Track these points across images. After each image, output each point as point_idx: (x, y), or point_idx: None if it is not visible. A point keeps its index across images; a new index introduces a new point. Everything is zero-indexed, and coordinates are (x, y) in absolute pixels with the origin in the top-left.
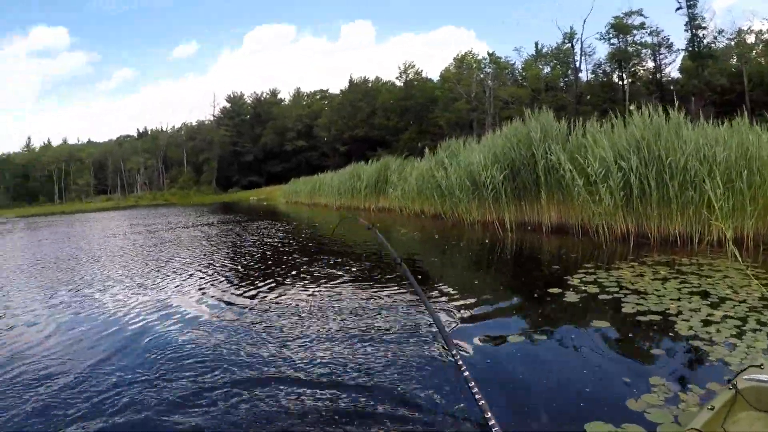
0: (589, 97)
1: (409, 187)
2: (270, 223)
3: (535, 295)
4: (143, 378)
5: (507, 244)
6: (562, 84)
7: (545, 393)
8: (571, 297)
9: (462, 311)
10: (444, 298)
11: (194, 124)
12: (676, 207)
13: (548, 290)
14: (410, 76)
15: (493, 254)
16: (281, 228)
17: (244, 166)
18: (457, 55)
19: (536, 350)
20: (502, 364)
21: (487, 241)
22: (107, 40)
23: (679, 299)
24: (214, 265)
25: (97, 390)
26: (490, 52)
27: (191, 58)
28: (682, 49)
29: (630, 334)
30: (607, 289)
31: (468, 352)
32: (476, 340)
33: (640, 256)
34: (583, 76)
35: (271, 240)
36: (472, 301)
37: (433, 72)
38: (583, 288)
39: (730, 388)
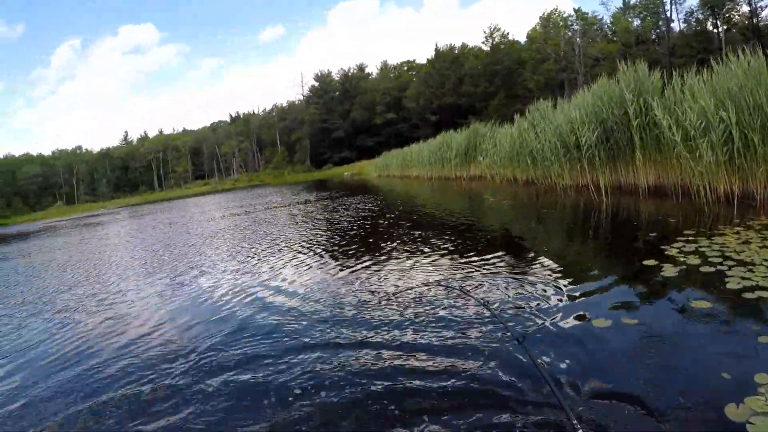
0: (682, 48)
1: (499, 153)
2: (361, 198)
3: (630, 270)
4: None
5: (601, 210)
6: (653, 36)
7: (626, 398)
8: (669, 271)
9: (551, 291)
10: (533, 275)
11: (284, 104)
12: None
13: (644, 263)
14: (496, 39)
15: (585, 222)
16: (371, 203)
17: (335, 143)
18: (543, 14)
19: (621, 338)
20: (577, 353)
21: (581, 206)
22: (195, 31)
23: None
24: (310, 244)
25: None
26: (576, 8)
27: (278, 40)
28: None
29: (734, 317)
30: (709, 260)
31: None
32: (563, 323)
33: (745, 219)
34: (675, 26)
35: (361, 216)
36: (560, 279)
37: (519, 34)
38: (682, 259)
39: None
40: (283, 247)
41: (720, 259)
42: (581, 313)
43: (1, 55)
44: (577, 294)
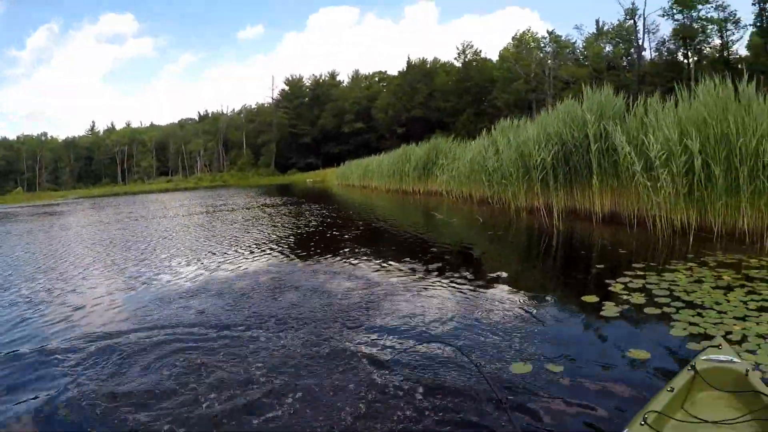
0: (652, 76)
1: (457, 170)
2: (316, 206)
3: (568, 307)
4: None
5: (552, 235)
6: (624, 63)
7: None
8: (609, 310)
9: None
10: (457, 302)
11: (254, 107)
12: (745, 197)
13: (584, 299)
14: (468, 56)
15: (532, 248)
16: (322, 211)
17: (302, 148)
18: (516, 34)
19: (540, 387)
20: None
21: (533, 230)
22: (174, 25)
23: (744, 318)
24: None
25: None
26: (550, 30)
27: (257, 41)
28: (750, 25)
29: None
30: (655, 300)
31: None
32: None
33: (700, 254)
34: (647, 54)
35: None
36: (488, 310)
37: (492, 52)
38: (626, 297)
39: (689, 370)
40: (232, 247)
41: (667, 299)
42: (501, 352)
43: None
44: (501, 329)
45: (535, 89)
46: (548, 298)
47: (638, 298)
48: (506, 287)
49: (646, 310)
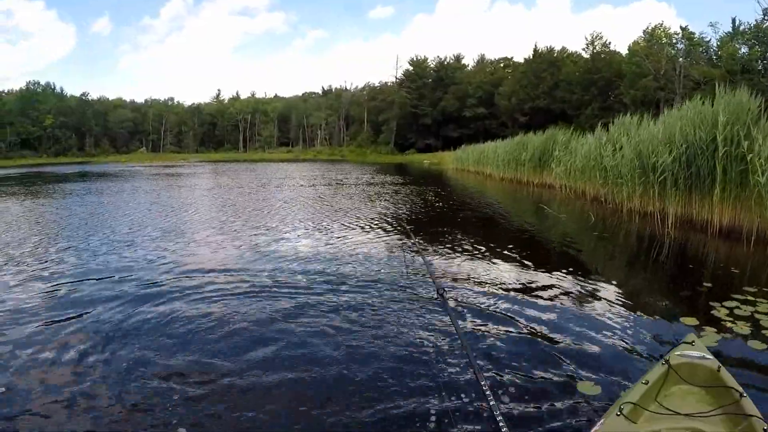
0: None
1: (572, 164)
2: (431, 188)
3: (662, 328)
4: None
5: (663, 245)
6: (760, 67)
7: None
8: (708, 338)
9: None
10: (557, 305)
11: (377, 85)
12: None
13: (683, 320)
14: (597, 47)
15: (639, 257)
16: (435, 194)
17: (422, 129)
18: (647, 28)
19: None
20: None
21: (643, 236)
22: (305, 1)
23: None
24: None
25: None
26: (683, 26)
27: (386, 20)
28: None
29: None
30: (763, 332)
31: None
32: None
33: None
34: None
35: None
36: (571, 318)
37: (621, 45)
38: (730, 325)
39: (663, 364)
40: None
41: None
42: (573, 369)
43: (116, 2)
44: (574, 342)
45: (664, 88)
46: (647, 314)
47: (743, 328)
48: (600, 297)
49: (750, 343)
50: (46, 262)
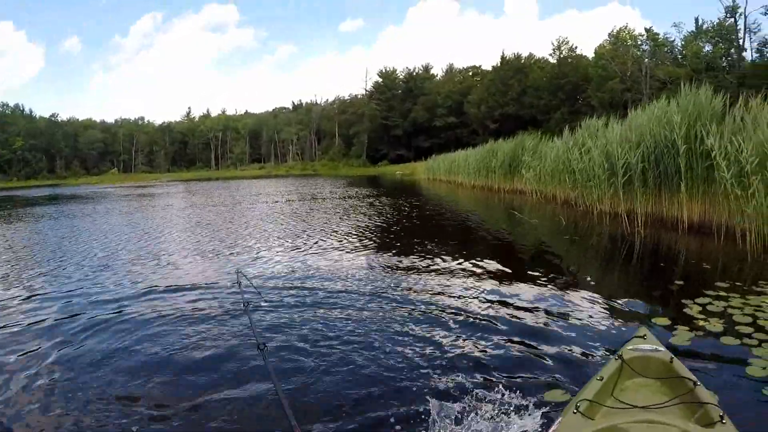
0: (752, 78)
1: (542, 168)
2: (403, 200)
3: (632, 328)
4: None
5: (634, 244)
6: (724, 63)
7: None
8: (680, 337)
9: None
10: (534, 305)
11: (347, 98)
12: None
13: (654, 320)
14: (564, 52)
15: (611, 257)
16: (407, 206)
17: (393, 140)
18: (612, 31)
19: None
20: None
21: (615, 236)
22: (275, 16)
23: None
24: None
25: None
26: (648, 27)
27: (356, 33)
28: None
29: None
30: (736, 328)
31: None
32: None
33: None
34: (747, 54)
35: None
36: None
37: (588, 49)
38: (703, 323)
39: (616, 359)
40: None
41: (750, 329)
42: (535, 373)
43: (86, 21)
44: (545, 346)
45: (631, 89)
46: (618, 315)
47: (716, 325)
48: (570, 302)
49: (723, 339)
50: (17, 287)
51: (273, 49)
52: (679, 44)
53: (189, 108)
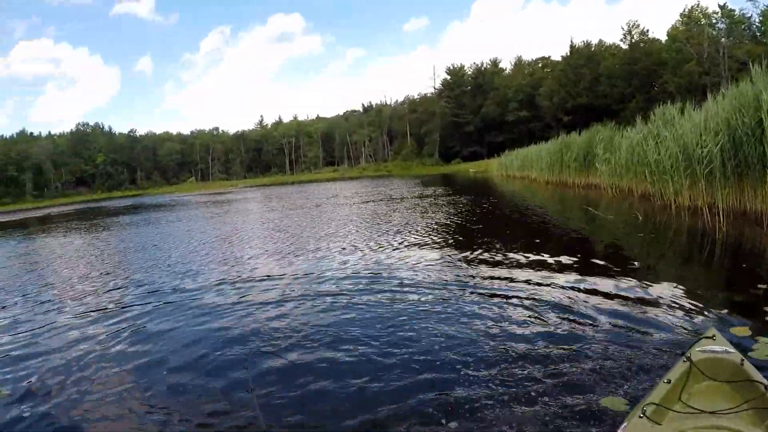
0: None
1: (616, 161)
2: (476, 198)
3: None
4: None
5: (715, 242)
6: None
7: None
8: (761, 350)
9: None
10: (601, 305)
11: (416, 97)
12: None
13: (732, 330)
14: (635, 37)
15: (686, 256)
16: (481, 204)
17: (465, 137)
18: (684, 10)
19: None
20: None
21: (693, 232)
22: (340, 21)
23: None
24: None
25: None
26: (722, 4)
27: (421, 32)
28: None
29: None
30: None
31: None
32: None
33: None
34: None
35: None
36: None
37: (660, 32)
38: None
39: (684, 361)
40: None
41: None
42: (591, 382)
43: (157, 42)
44: (602, 355)
45: (709, 71)
46: (685, 321)
47: None
48: (641, 303)
49: None
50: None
51: (340, 54)
52: (757, 20)
53: (261, 116)
